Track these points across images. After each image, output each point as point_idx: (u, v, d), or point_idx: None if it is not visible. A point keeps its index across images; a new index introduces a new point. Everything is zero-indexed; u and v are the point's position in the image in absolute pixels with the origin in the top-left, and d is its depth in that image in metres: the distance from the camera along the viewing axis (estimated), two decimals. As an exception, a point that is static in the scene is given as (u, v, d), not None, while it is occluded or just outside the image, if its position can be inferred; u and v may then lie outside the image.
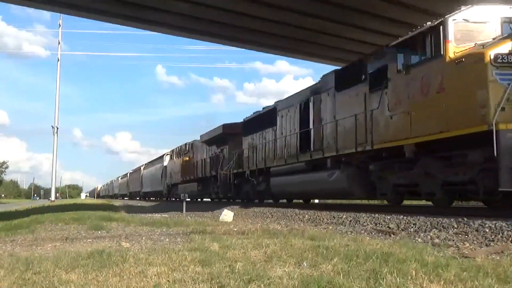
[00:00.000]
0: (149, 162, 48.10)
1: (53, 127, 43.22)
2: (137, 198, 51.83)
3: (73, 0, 14.72)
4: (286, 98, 15.80)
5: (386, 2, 14.20)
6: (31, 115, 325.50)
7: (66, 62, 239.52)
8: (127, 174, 62.25)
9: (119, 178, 71.69)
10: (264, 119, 16.65)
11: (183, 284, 3.26)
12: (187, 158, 28.30)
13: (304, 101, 13.70)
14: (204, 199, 28.32)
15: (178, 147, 31.95)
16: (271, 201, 17.79)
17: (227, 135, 20.51)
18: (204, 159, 24.31)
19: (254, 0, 14.51)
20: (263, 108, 17.63)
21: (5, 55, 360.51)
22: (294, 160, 13.70)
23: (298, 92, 15.01)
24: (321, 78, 13.24)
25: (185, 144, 29.65)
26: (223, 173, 19.85)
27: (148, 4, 14.76)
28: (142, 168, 49.21)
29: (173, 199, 32.81)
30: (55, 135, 43.15)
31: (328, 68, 16.92)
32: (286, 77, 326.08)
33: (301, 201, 18.26)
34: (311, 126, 13.07)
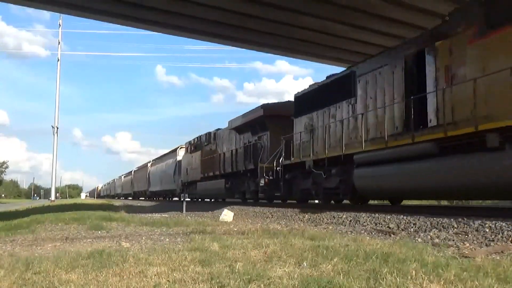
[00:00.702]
0: (158, 158, 42.85)
1: (53, 127, 43.23)
2: (141, 198, 48.10)
3: (73, 0, 14.72)
4: (373, 57, 11.74)
5: (387, 2, 14.19)
6: (31, 115, 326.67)
7: (66, 62, 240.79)
8: (131, 172, 57.02)
9: (122, 177, 66.49)
10: (332, 91, 12.37)
11: (183, 284, 3.26)
12: (209, 151, 23.37)
13: (414, 54, 9.50)
14: (232, 200, 22.53)
15: (196, 138, 26.50)
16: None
17: (269, 118, 16.49)
18: (236, 149, 19.36)
19: (254, 0, 14.51)
20: (327, 77, 13.13)
21: (5, 55, 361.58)
22: (407, 140, 9.12)
23: (396, 46, 11.06)
24: (449, 15, 9.03)
25: (206, 134, 24.45)
26: (265, 166, 15.48)
27: (148, 4, 14.75)
28: (149, 164, 43.99)
29: (189, 199, 28.67)
30: (55, 135, 43.18)
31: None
32: (286, 77, 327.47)
33: (295, 201, 17.07)
34: (431, 88, 8.80)
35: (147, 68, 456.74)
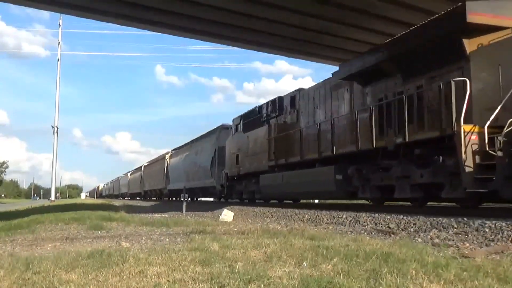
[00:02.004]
0: (181, 147, 34.31)
1: (53, 127, 43.22)
2: (154, 199, 41.31)
3: (73, 0, 14.72)
4: None
5: (386, 2, 14.20)
6: (31, 115, 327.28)
7: (66, 62, 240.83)
8: (141, 167, 49.03)
9: (128, 174, 58.78)
10: None
11: (183, 284, 3.25)
12: (283, 124, 15.30)
13: None
14: (346, 201, 15.86)
15: (254, 108, 18.39)
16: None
17: (472, 34, 8.22)
18: (368, 111, 10.48)
19: (254, 0, 14.51)
20: None
21: (5, 55, 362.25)
22: None
23: None
24: None
25: (275, 100, 16.24)
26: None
27: (148, 4, 14.75)
28: (167, 156, 35.69)
29: (236, 199, 20.48)
30: (55, 135, 43.17)
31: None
32: (285, 77, 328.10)
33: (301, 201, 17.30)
34: None
35: (146, 68, 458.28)
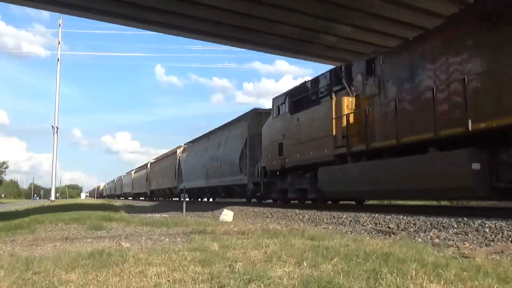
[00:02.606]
0: (194, 141, 30.16)
1: (53, 127, 43.20)
2: (160, 199, 38.45)
3: (73, 0, 14.72)
4: None
5: (387, 3, 14.19)
6: (31, 115, 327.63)
7: (66, 62, 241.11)
8: (146, 164, 44.80)
9: (132, 172, 54.90)
10: None
11: (183, 284, 3.26)
12: (356, 98, 11.46)
13: None
14: None
15: (306, 82, 14.94)
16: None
17: None
18: None
19: (254, 0, 14.50)
20: None
21: (5, 55, 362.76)
22: None
23: None
24: None
25: (340, 68, 13.01)
26: None
27: (148, 4, 14.75)
28: (179, 151, 31.42)
29: (271, 199, 17.82)
30: (55, 135, 43.15)
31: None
32: (285, 77, 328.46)
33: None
34: None
35: (146, 68, 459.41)
